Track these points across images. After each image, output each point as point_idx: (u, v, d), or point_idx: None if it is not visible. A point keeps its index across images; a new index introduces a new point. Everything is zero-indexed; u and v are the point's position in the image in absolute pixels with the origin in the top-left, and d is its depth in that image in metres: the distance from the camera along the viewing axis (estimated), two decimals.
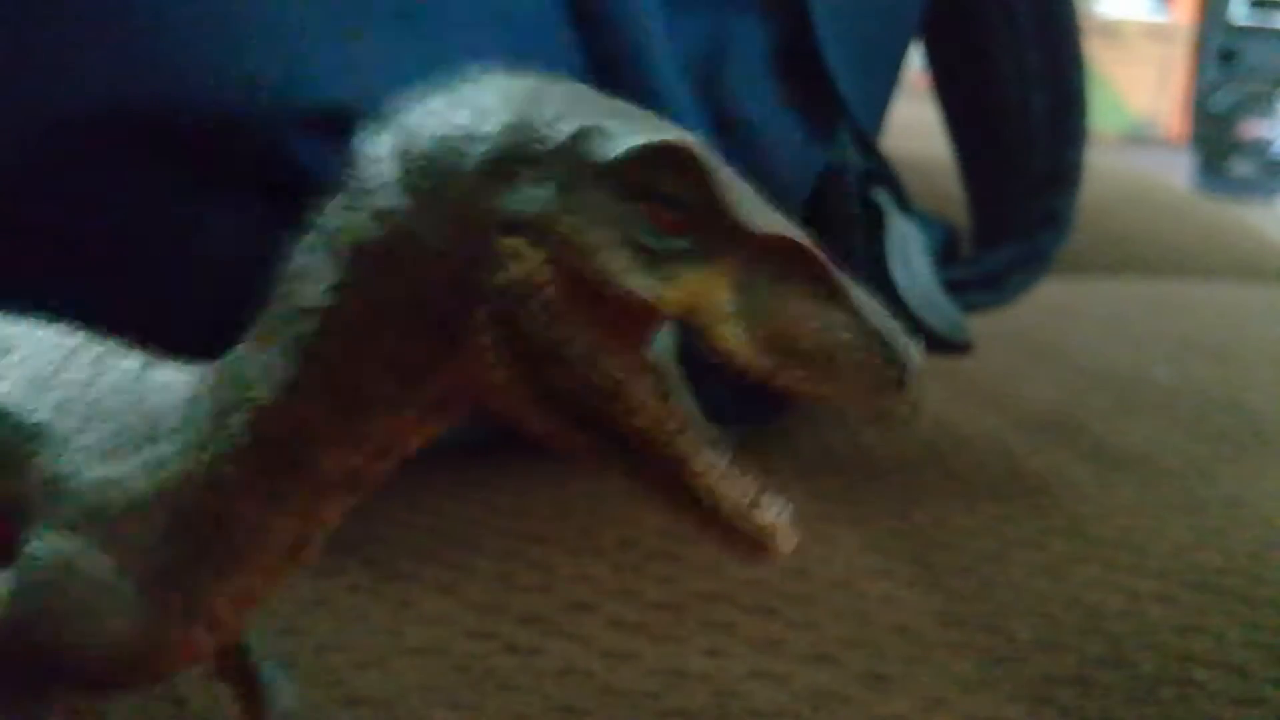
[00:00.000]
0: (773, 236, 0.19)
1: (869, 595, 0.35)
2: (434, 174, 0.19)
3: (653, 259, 0.19)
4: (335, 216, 0.20)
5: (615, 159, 0.19)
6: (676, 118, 0.45)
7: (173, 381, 0.22)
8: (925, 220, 0.46)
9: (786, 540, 0.20)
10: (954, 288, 0.46)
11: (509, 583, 0.35)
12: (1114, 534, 0.39)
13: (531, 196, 0.19)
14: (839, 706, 0.30)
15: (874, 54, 0.47)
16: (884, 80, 0.48)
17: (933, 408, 0.50)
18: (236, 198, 0.34)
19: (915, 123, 0.68)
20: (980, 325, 0.46)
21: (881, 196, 0.44)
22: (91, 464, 0.21)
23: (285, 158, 0.34)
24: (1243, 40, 2.52)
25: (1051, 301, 0.60)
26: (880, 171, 0.45)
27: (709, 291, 0.19)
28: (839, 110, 0.44)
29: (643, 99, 0.46)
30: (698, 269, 0.19)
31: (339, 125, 0.36)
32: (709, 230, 0.19)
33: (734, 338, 0.19)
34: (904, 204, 0.45)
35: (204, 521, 0.21)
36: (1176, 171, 2.30)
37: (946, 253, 0.47)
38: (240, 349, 0.21)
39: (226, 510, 0.21)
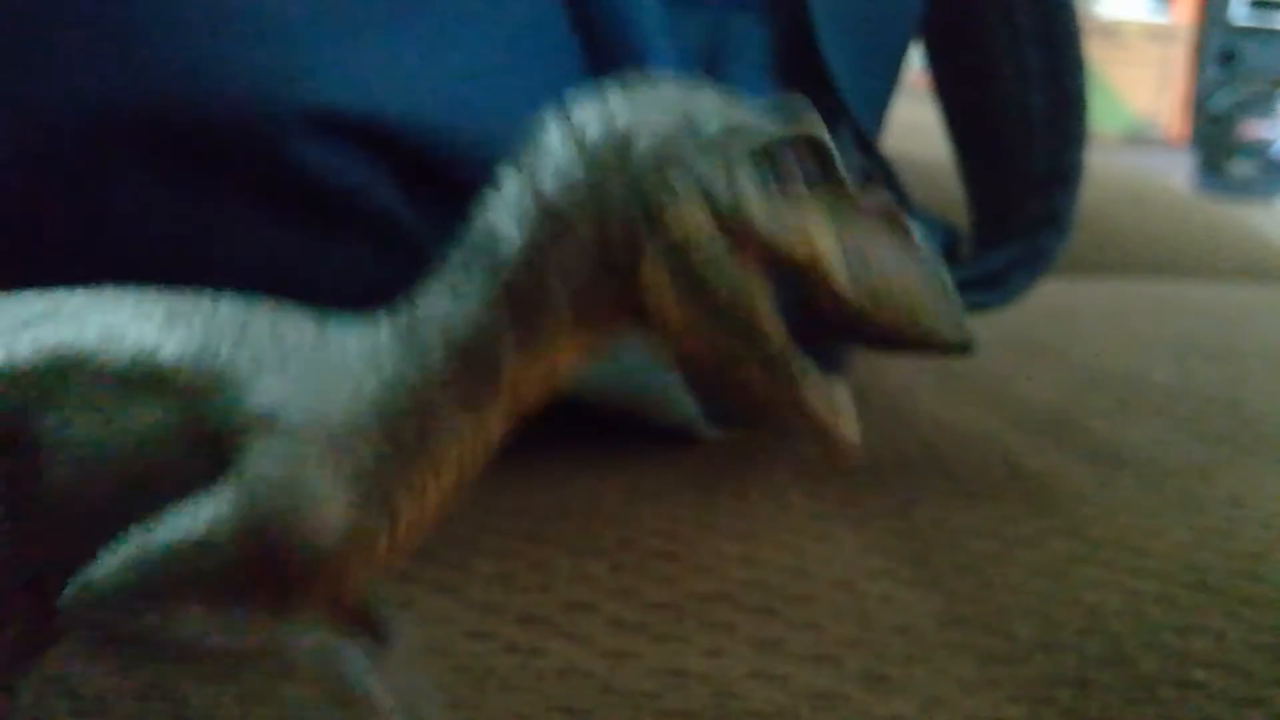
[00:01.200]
0: (874, 204, 0.24)
1: (869, 595, 0.35)
2: (612, 153, 0.24)
3: (784, 215, 0.24)
4: (519, 187, 0.25)
5: (765, 142, 0.24)
6: None
7: (348, 329, 0.25)
8: (925, 220, 0.46)
9: (857, 447, 0.26)
10: (954, 288, 0.46)
11: (509, 583, 0.35)
12: (1114, 534, 0.39)
13: (695, 168, 0.24)
14: (839, 706, 0.30)
15: (874, 54, 0.47)
16: (884, 80, 0.48)
17: (933, 408, 0.51)
18: (236, 197, 0.34)
19: (915, 123, 0.68)
20: (980, 325, 0.46)
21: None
22: (295, 398, 0.24)
23: (285, 158, 0.34)
24: (1243, 41, 2.52)
25: (1051, 301, 0.60)
26: (880, 172, 0.45)
27: (825, 242, 0.24)
28: (839, 110, 0.44)
29: None
30: (816, 225, 0.24)
31: (339, 125, 0.37)
32: (826, 196, 0.24)
33: (845, 283, 0.24)
34: (904, 204, 0.45)
35: (410, 441, 0.24)
36: (1176, 172, 2.31)
37: (946, 253, 0.47)
38: (427, 297, 0.25)
39: (433, 431, 0.25)
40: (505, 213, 0.25)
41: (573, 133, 0.25)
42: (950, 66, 0.52)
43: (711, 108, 0.25)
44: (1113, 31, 2.66)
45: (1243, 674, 0.31)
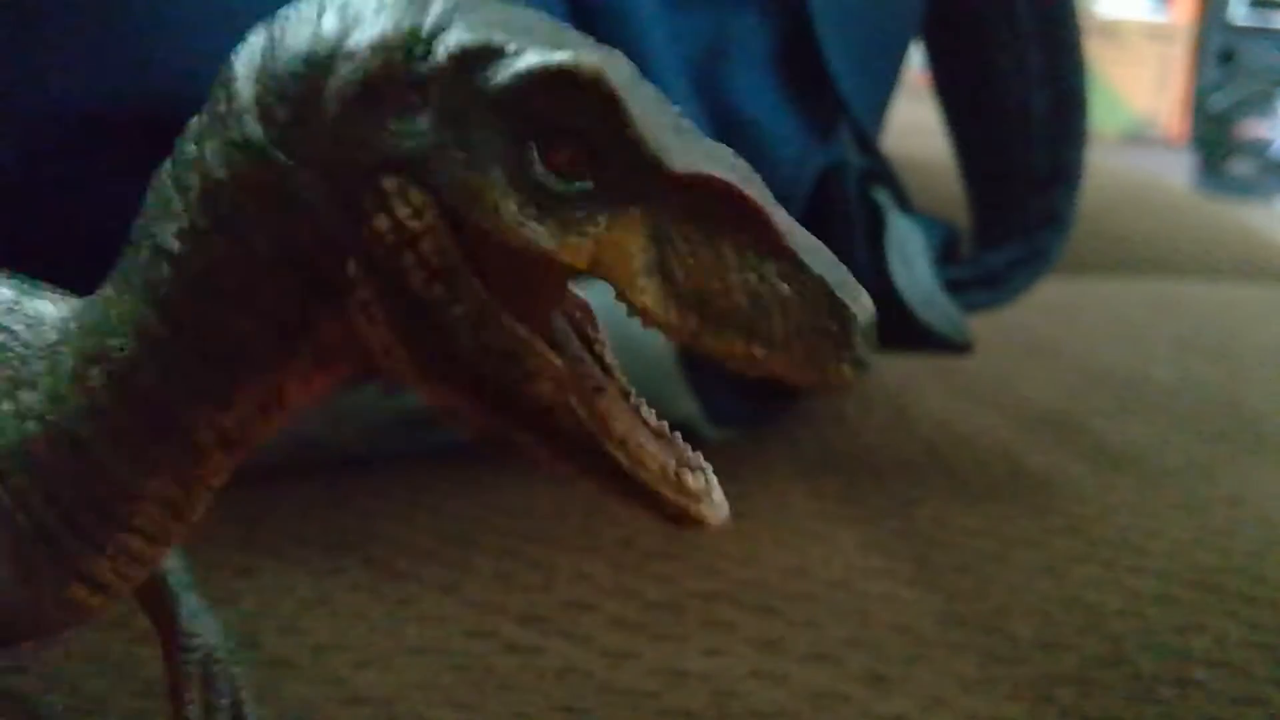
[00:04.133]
0: (695, 176, 0.17)
1: (869, 595, 0.35)
2: (295, 99, 0.17)
3: (553, 203, 0.16)
4: (192, 145, 0.18)
5: (508, 84, 0.16)
6: None
7: (44, 315, 0.20)
8: (925, 220, 0.46)
9: (716, 509, 0.18)
10: (954, 288, 0.46)
11: (509, 582, 0.35)
12: (1114, 534, 0.39)
13: (410, 128, 0.16)
14: (839, 706, 0.30)
15: (874, 54, 0.47)
16: (884, 80, 0.48)
17: (933, 408, 0.50)
18: None
19: (915, 123, 0.68)
20: (980, 325, 0.46)
21: (881, 196, 0.44)
22: None
23: None
24: (1242, 40, 2.52)
25: (1051, 301, 0.60)
26: (880, 171, 0.45)
27: (621, 241, 0.17)
28: (839, 110, 0.44)
29: None
30: (607, 215, 0.17)
31: None
32: (618, 169, 0.17)
33: (651, 295, 0.17)
34: (904, 204, 0.45)
35: (68, 482, 0.19)
36: (1176, 171, 2.30)
37: (946, 253, 0.47)
38: (104, 291, 0.19)
39: (90, 471, 0.19)
40: (174, 187, 0.18)
41: (253, 61, 0.17)
42: (950, 66, 0.52)
43: (447, 15, 0.16)
44: (1113, 31, 2.66)
45: (1243, 674, 0.31)
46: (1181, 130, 2.65)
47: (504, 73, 0.16)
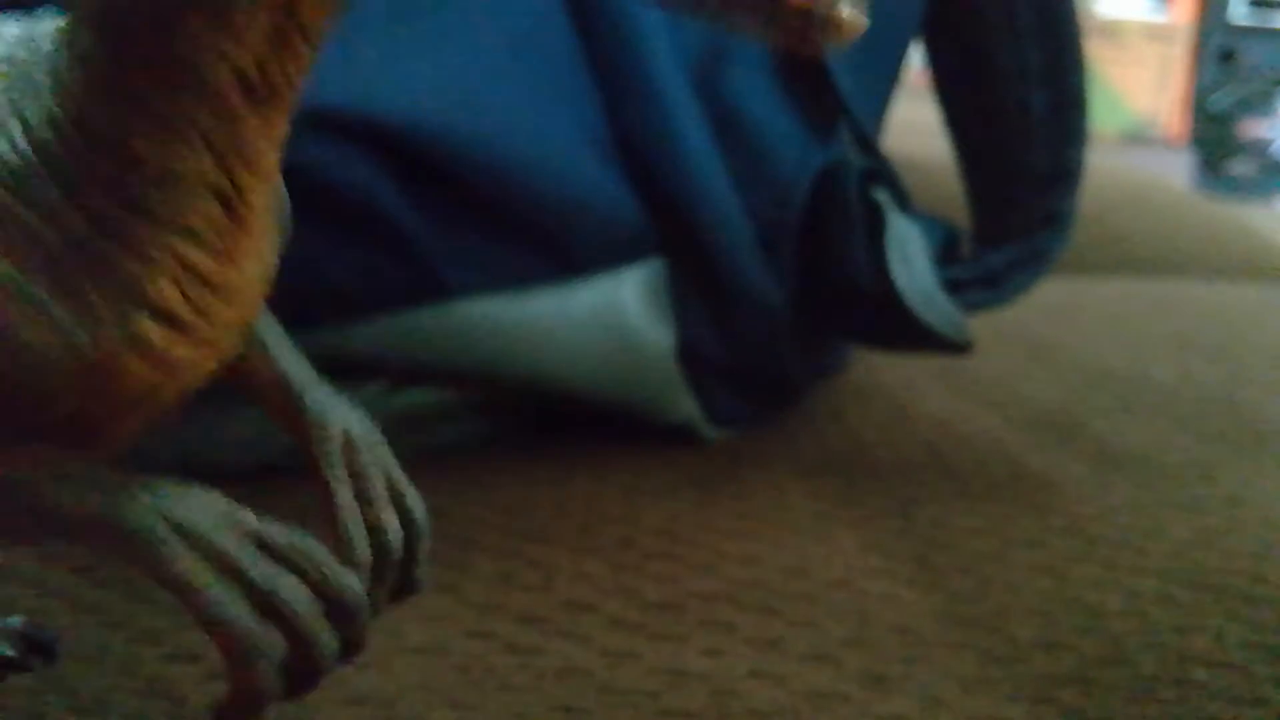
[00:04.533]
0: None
1: (869, 595, 0.35)
2: None
3: None
4: None
5: None
6: (676, 116, 0.45)
7: (37, 32, 0.19)
8: (925, 220, 0.46)
9: (856, 20, 0.17)
10: (954, 288, 0.46)
11: (509, 582, 0.35)
12: (1114, 534, 0.39)
13: None
14: (839, 706, 0.30)
15: (874, 54, 0.47)
16: (884, 80, 0.48)
17: (933, 408, 0.51)
18: None
19: (915, 123, 0.68)
20: (980, 325, 0.46)
21: (881, 196, 0.44)
22: None
23: (285, 157, 0.34)
24: (1242, 40, 2.52)
25: (1051, 301, 0.60)
26: (880, 171, 0.45)
27: None
28: (839, 110, 0.44)
29: (642, 98, 0.47)
30: None
31: (339, 125, 0.37)
32: None
33: None
34: (904, 204, 0.45)
35: (97, 183, 0.18)
36: (1176, 171, 2.31)
37: (946, 253, 0.47)
38: None
39: (116, 159, 0.18)
40: None
41: None
42: (950, 66, 0.52)
43: None
44: (1113, 31, 2.66)
45: (1243, 674, 0.31)
46: (1181, 130, 2.66)
47: None
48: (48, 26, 0.19)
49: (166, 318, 0.19)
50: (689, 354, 0.44)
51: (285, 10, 0.18)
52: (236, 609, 0.19)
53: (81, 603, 0.32)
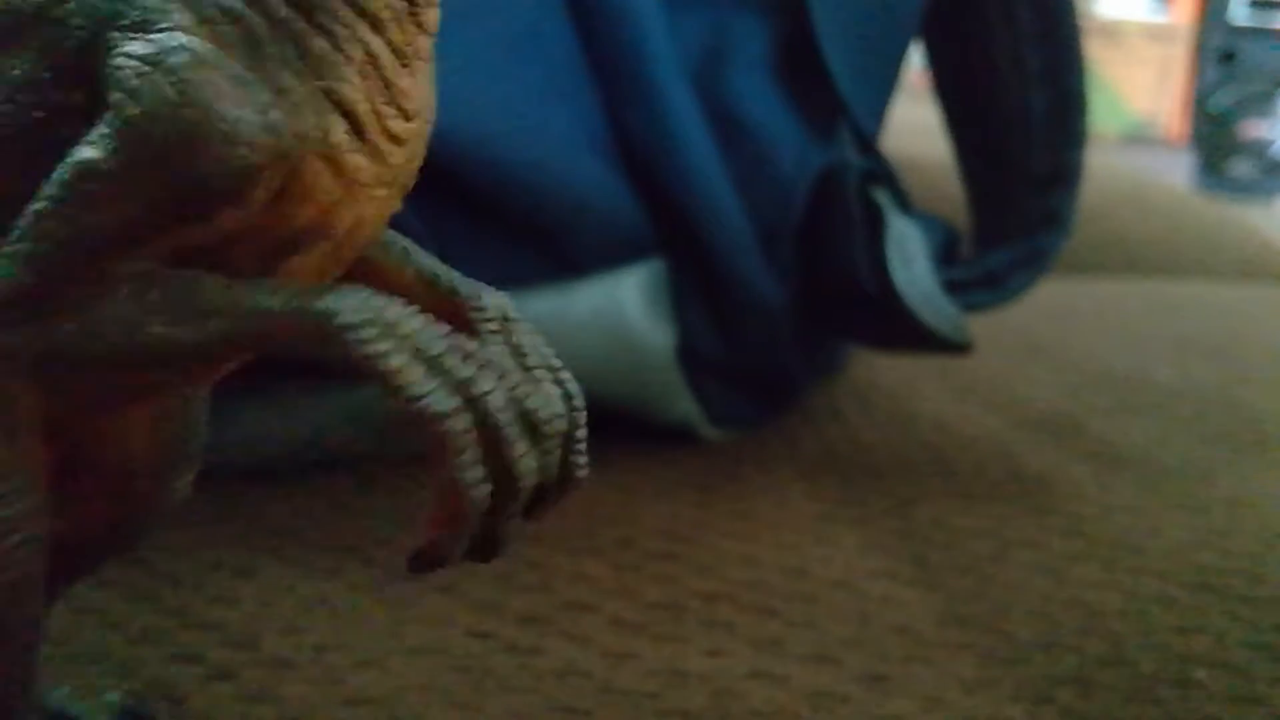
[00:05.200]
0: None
1: (869, 595, 0.35)
2: None
3: None
4: None
5: None
6: (676, 116, 0.45)
7: None
8: (925, 220, 0.46)
9: None
10: (954, 288, 0.46)
11: (509, 583, 0.35)
12: (1114, 534, 0.39)
13: None
14: (839, 706, 0.30)
15: (874, 54, 0.47)
16: (884, 80, 0.48)
17: (933, 408, 0.51)
18: None
19: (915, 123, 0.68)
20: (980, 325, 0.46)
21: (881, 196, 0.44)
22: None
23: None
24: (1243, 40, 2.52)
25: (1051, 301, 0.60)
26: (880, 171, 0.45)
27: None
28: (839, 110, 0.44)
29: (642, 98, 0.47)
30: None
31: None
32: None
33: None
34: (904, 204, 0.45)
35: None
36: (1176, 171, 2.31)
37: (946, 253, 0.47)
38: None
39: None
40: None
41: None
42: (950, 67, 0.52)
43: None
44: (1113, 31, 2.66)
45: (1243, 674, 0.31)
46: (1181, 130, 2.66)
47: None
48: None
49: (352, 119, 0.19)
50: (689, 354, 0.44)
51: None
52: (451, 403, 0.19)
53: (82, 603, 0.32)
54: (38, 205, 0.18)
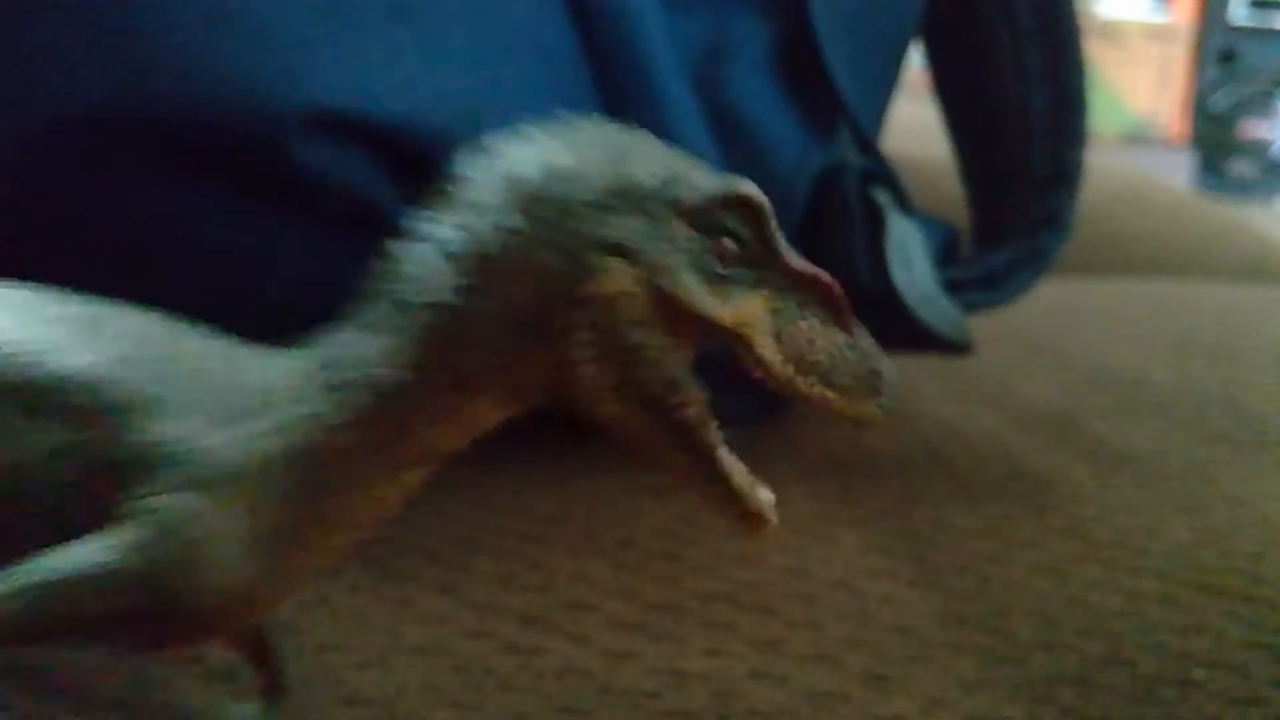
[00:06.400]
0: (806, 273, 0.24)
1: (869, 595, 0.35)
2: (548, 201, 0.23)
3: (717, 282, 0.23)
4: (449, 228, 0.23)
5: (699, 202, 0.23)
6: (676, 116, 0.45)
7: (265, 359, 0.24)
8: (925, 220, 0.46)
9: (773, 515, 0.25)
10: (954, 288, 0.46)
11: (509, 583, 0.35)
12: (1114, 534, 0.39)
13: (628, 226, 0.23)
14: (839, 706, 0.30)
15: (874, 54, 0.47)
16: (884, 80, 0.48)
17: (933, 408, 0.50)
18: (235, 197, 0.34)
19: (915, 123, 0.68)
20: (980, 325, 0.46)
21: (881, 196, 0.44)
22: (204, 430, 0.23)
23: (284, 158, 0.34)
24: (1243, 40, 2.52)
25: (1051, 301, 0.60)
26: (880, 171, 0.45)
27: (755, 312, 0.24)
28: (839, 110, 0.44)
29: (642, 98, 0.46)
30: (747, 293, 0.24)
31: (338, 125, 0.36)
32: (761, 263, 0.24)
33: (768, 350, 0.24)
34: (904, 204, 0.45)
35: (319, 484, 0.23)
36: (1176, 171, 2.31)
37: (946, 253, 0.47)
38: (344, 334, 0.24)
39: (345, 474, 0.23)
40: (432, 253, 0.23)
41: (507, 174, 0.24)
42: (950, 67, 0.52)
43: (650, 159, 0.24)
44: (1113, 31, 2.66)
45: (1243, 674, 0.31)
46: (1181, 130, 2.65)
47: (697, 194, 0.23)
48: (263, 357, 0.24)
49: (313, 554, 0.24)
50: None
51: (480, 415, 0.24)
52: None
53: None
54: (39, 574, 0.22)
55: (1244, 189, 2.38)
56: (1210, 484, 0.44)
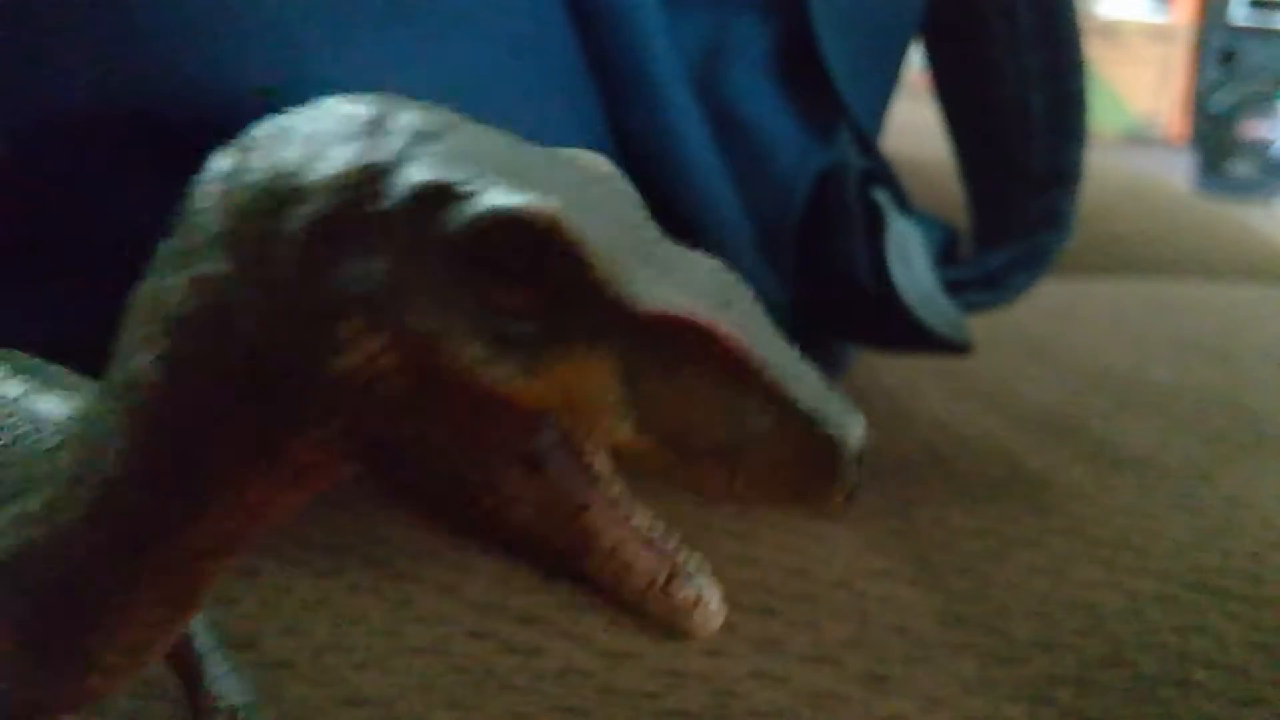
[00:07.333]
0: (662, 316, 0.16)
1: (869, 595, 0.35)
2: (255, 235, 0.16)
3: (515, 345, 0.16)
4: (161, 273, 0.18)
5: (463, 228, 0.15)
6: (676, 116, 0.45)
7: (49, 416, 0.19)
8: (925, 220, 0.46)
9: (706, 620, 0.17)
10: (954, 288, 0.46)
11: (509, 583, 0.35)
12: (1114, 534, 0.39)
13: (368, 268, 0.16)
14: (839, 706, 0.30)
15: (874, 54, 0.47)
16: (884, 80, 0.48)
17: (933, 408, 0.50)
18: None
19: (915, 123, 0.68)
20: (980, 325, 0.46)
21: (881, 196, 0.44)
22: None
23: None
24: (1243, 40, 2.52)
25: (1051, 301, 0.60)
26: (880, 171, 0.45)
27: (588, 381, 0.16)
28: (839, 110, 0.44)
29: (641, 99, 0.46)
30: (573, 355, 0.16)
31: None
32: (583, 309, 0.16)
33: (622, 432, 0.16)
34: (904, 204, 0.45)
35: (68, 585, 0.19)
36: (1176, 171, 2.31)
37: (946, 253, 0.47)
38: (100, 394, 0.18)
39: (88, 576, 0.19)
40: (144, 315, 0.17)
41: (228, 182, 0.17)
42: (950, 66, 0.52)
43: (407, 150, 0.16)
44: (1113, 31, 2.66)
45: (1243, 674, 0.31)
46: (1181, 130, 2.65)
47: (458, 216, 0.15)
48: (53, 411, 0.20)
49: (110, 673, 0.20)
50: None
51: (254, 508, 0.18)
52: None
53: None
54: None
55: (1244, 189, 2.38)
56: (1210, 484, 0.44)
